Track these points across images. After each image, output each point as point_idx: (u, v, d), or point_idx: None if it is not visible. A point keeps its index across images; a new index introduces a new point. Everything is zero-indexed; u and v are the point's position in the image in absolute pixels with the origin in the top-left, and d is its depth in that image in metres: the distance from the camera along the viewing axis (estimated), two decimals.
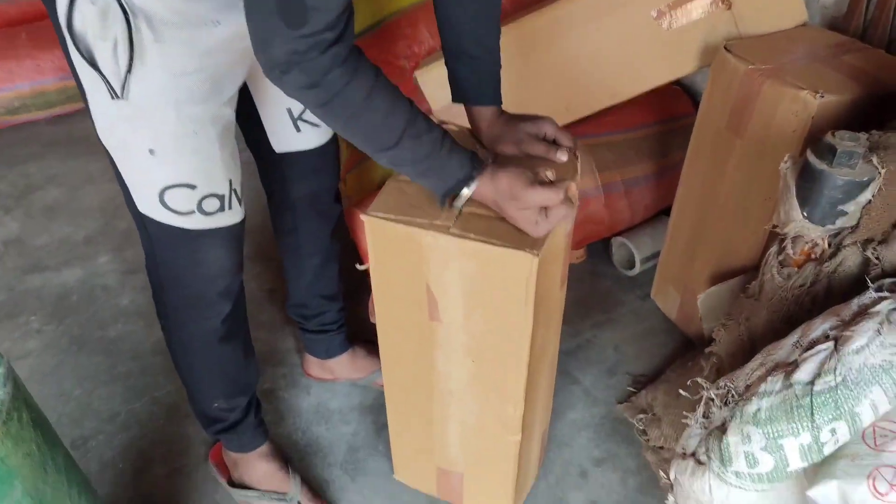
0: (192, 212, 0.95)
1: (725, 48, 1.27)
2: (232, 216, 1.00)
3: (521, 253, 0.85)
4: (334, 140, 1.22)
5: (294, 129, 1.14)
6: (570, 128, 1.52)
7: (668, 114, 1.72)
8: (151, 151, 0.89)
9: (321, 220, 1.30)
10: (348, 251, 1.46)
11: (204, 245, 1.00)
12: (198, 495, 1.35)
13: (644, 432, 1.40)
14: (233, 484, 1.33)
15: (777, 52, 1.26)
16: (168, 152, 0.90)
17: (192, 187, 0.94)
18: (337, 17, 0.71)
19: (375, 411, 1.48)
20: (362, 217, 0.92)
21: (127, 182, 0.95)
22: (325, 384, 1.55)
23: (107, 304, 1.76)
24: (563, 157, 0.95)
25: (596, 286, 1.79)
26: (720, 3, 1.36)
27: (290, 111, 1.12)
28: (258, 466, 1.31)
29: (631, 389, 1.52)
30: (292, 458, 1.40)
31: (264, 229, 1.63)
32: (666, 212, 1.64)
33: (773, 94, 1.18)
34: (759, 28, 1.39)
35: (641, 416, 1.43)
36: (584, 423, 1.46)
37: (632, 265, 1.76)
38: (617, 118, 1.65)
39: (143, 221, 0.98)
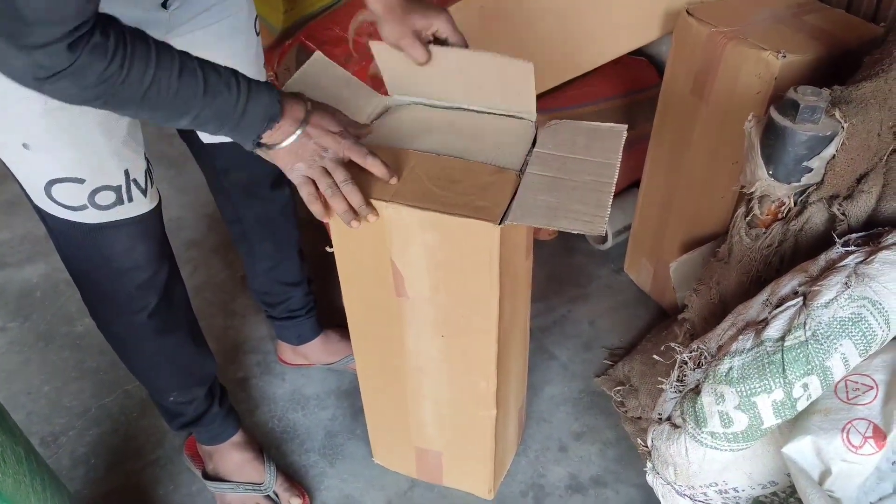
0: (85, 206, 0.90)
1: (687, 12, 1.27)
2: (136, 207, 0.94)
3: (483, 223, 0.83)
4: None
5: None
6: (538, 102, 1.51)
7: (634, 85, 1.71)
8: (25, 146, 0.84)
9: (265, 205, 1.25)
10: (321, 233, 1.44)
11: (108, 239, 0.94)
12: (174, 488, 1.33)
13: (622, 404, 1.40)
14: (207, 476, 1.30)
15: (739, 15, 1.26)
16: (42, 146, 0.84)
17: (80, 181, 0.88)
18: (74, 28, 0.63)
19: (352, 395, 1.47)
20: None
21: (16, 176, 0.90)
22: (300, 370, 1.53)
23: (72, 298, 1.72)
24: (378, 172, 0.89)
25: (569, 261, 1.78)
26: None
27: None
28: (231, 457, 1.29)
29: (607, 362, 1.52)
30: (269, 446, 1.38)
31: None
32: (636, 184, 1.63)
33: (736, 56, 1.18)
34: None
35: (619, 388, 1.43)
36: (562, 397, 1.46)
37: (604, 239, 1.76)
38: (584, 91, 1.64)
39: (41, 215, 0.94)
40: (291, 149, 0.84)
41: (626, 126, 0.94)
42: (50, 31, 0.62)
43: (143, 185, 0.95)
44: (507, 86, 0.97)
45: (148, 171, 0.97)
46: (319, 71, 1.02)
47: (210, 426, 1.25)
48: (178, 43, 0.95)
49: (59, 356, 1.59)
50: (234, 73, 0.79)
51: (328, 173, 0.85)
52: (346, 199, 0.86)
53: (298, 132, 0.83)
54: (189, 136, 1.14)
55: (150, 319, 1.05)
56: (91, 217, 0.91)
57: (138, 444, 1.40)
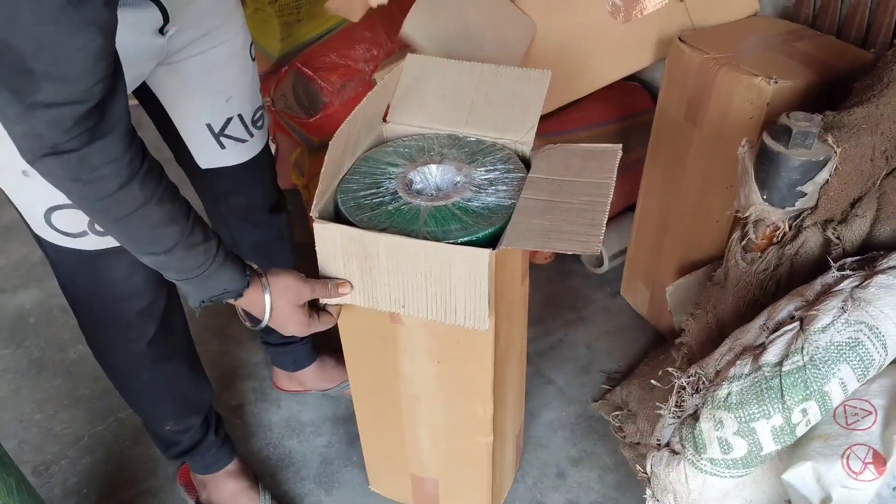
0: (85, 232, 0.89)
1: (680, 39, 1.28)
2: None
3: (477, 249, 0.83)
4: (266, 151, 1.17)
5: (217, 146, 1.07)
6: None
7: (628, 110, 1.73)
8: (24, 173, 0.82)
9: (261, 232, 1.24)
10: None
11: (107, 265, 0.94)
12: None
13: (620, 429, 1.39)
14: None
15: (731, 42, 1.27)
16: None
17: None
18: (84, 90, 0.62)
19: (348, 421, 1.45)
20: (314, 223, 0.89)
21: (15, 204, 0.90)
22: (295, 396, 1.51)
23: (66, 325, 1.71)
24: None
25: (565, 285, 1.78)
26: None
27: (209, 127, 1.05)
28: (226, 486, 1.27)
29: (605, 387, 1.51)
30: (264, 474, 1.37)
31: None
32: (632, 208, 1.64)
33: (729, 81, 1.19)
34: (712, 19, 1.40)
35: (617, 412, 1.42)
36: (559, 422, 1.45)
37: (600, 263, 1.76)
38: (578, 116, 1.65)
39: (41, 243, 0.94)
40: (277, 322, 0.91)
41: (620, 146, 0.94)
42: (62, 88, 0.61)
43: None
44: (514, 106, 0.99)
45: None
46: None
47: (205, 455, 1.23)
48: (176, 69, 0.97)
49: (52, 384, 1.57)
50: (218, 241, 0.83)
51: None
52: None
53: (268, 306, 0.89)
54: (186, 161, 1.14)
55: (149, 348, 1.04)
56: (91, 243, 0.91)
57: (131, 472, 1.39)
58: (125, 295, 0.98)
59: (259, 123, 1.11)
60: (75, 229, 0.89)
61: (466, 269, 0.83)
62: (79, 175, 0.67)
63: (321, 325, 0.94)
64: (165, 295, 1.04)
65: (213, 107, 1.03)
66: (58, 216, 0.88)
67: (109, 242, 0.92)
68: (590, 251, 0.80)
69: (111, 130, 0.67)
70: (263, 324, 0.91)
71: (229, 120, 1.05)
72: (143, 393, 1.12)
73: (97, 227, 0.90)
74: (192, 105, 1.00)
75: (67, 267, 0.96)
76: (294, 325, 0.91)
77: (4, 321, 1.74)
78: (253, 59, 1.08)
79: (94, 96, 0.64)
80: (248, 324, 0.95)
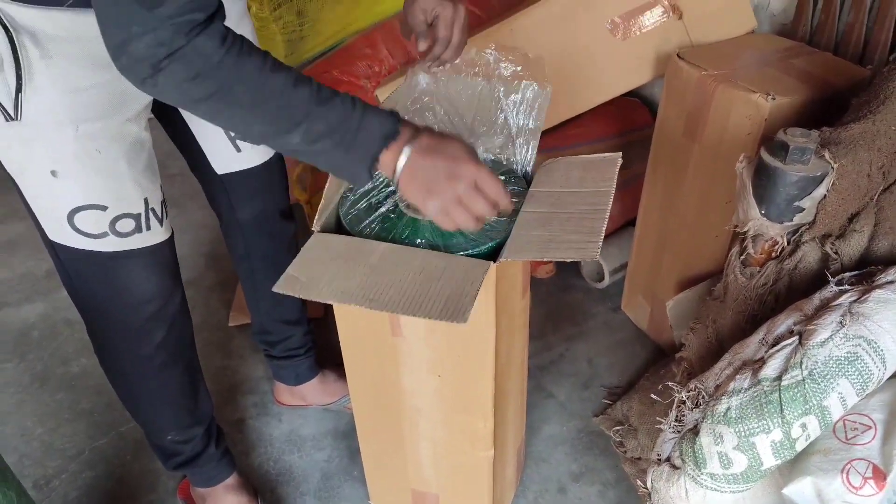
0: (106, 233, 0.91)
1: (678, 56, 1.29)
2: (151, 236, 0.96)
3: (478, 261, 0.83)
4: (279, 157, 1.19)
5: (234, 149, 1.11)
6: None
7: (628, 125, 1.74)
8: (53, 173, 0.86)
9: (273, 242, 1.26)
10: None
11: (122, 268, 0.95)
12: None
13: (621, 444, 1.39)
14: None
15: (728, 59, 1.29)
16: (71, 173, 0.87)
17: (103, 208, 0.90)
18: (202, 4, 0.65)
19: (349, 436, 1.45)
20: (315, 232, 0.90)
21: (33, 208, 0.91)
22: (296, 411, 1.51)
23: (70, 338, 1.72)
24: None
25: (566, 300, 1.78)
26: (672, 13, 1.39)
27: (226, 130, 1.08)
28: (226, 500, 1.27)
29: (606, 401, 1.51)
30: (264, 489, 1.37)
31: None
32: (632, 223, 1.65)
33: (727, 98, 1.20)
34: (710, 36, 1.42)
35: (618, 427, 1.42)
36: (560, 437, 1.45)
37: (601, 277, 1.77)
38: (578, 131, 1.66)
39: (54, 250, 0.95)
40: (414, 175, 0.77)
41: (619, 154, 0.94)
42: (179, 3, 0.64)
43: (159, 215, 0.98)
44: None
45: (164, 203, 1.00)
46: None
47: (205, 467, 1.23)
48: None
49: (54, 398, 1.57)
50: (345, 93, 0.76)
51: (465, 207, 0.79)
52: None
53: (407, 150, 0.77)
54: (202, 168, 1.15)
55: (157, 352, 1.05)
56: (110, 245, 0.93)
57: (132, 487, 1.38)
58: (138, 300, 1.00)
59: None
60: (97, 230, 0.91)
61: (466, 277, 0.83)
62: (198, 67, 0.67)
63: (443, 221, 0.80)
64: (177, 302, 1.06)
65: None
66: (80, 217, 0.90)
67: (127, 244, 0.94)
68: (588, 257, 0.80)
69: (220, 16, 0.69)
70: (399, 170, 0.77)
71: None
72: (148, 401, 1.13)
73: (118, 227, 0.92)
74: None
75: (81, 272, 0.97)
76: (419, 196, 0.78)
77: (8, 335, 1.74)
78: None
79: (211, 7, 0.67)
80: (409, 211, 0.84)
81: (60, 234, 0.92)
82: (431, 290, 0.78)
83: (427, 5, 0.96)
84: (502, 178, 0.98)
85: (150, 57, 0.66)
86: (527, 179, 1.01)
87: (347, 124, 0.74)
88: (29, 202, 0.91)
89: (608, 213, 0.85)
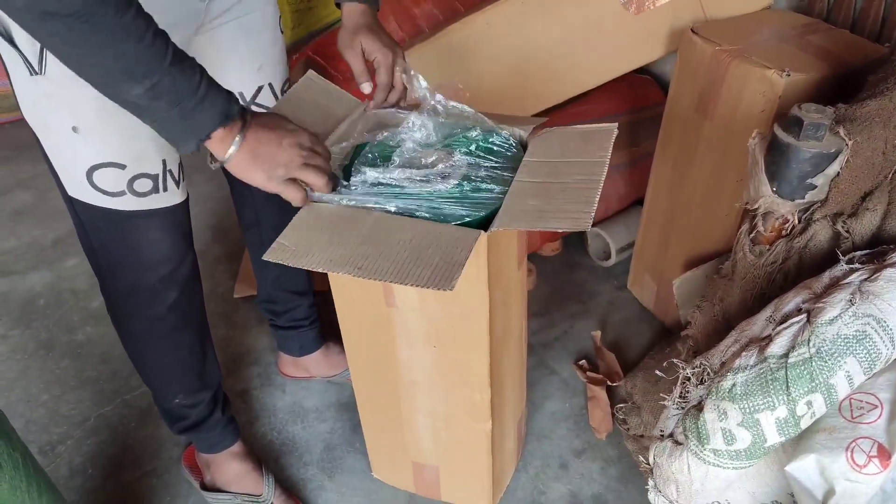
0: (123, 192, 0.92)
1: (692, 30, 1.27)
2: (168, 198, 0.97)
3: (469, 230, 0.82)
4: None
5: None
6: (545, 116, 1.52)
7: (639, 103, 1.72)
8: (75, 129, 0.87)
9: (283, 212, 1.24)
10: None
11: (138, 228, 0.97)
12: (170, 499, 1.32)
13: (624, 421, 1.39)
14: (205, 487, 1.29)
15: (744, 34, 1.26)
16: (92, 130, 0.87)
17: (122, 167, 0.91)
18: None
19: (352, 408, 1.46)
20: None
21: (54, 164, 0.92)
22: (300, 382, 1.52)
23: (75, 307, 1.72)
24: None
25: (572, 277, 1.78)
26: None
27: (241, 95, 1.08)
28: (230, 467, 1.28)
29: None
30: (268, 458, 1.37)
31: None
32: (640, 201, 1.63)
33: (741, 74, 1.18)
34: (725, 12, 1.39)
35: (621, 405, 1.42)
36: (563, 414, 1.45)
37: (608, 256, 1.76)
38: (589, 108, 1.64)
39: (73, 206, 0.96)
40: (253, 153, 0.80)
41: (615, 125, 0.93)
42: None
43: (176, 177, 0.98)
44: None
45: (181, 165, 1.00)
46: (310, 87, 1.06)
47: (210, 433, 1.24)
48: (211, 36, 1.00)
49: (59, 365, 1.58)
50: (201, 66, 0.77)
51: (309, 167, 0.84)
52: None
53: (242, 134, 0.79)
54: None
55: (169, 313, 1.07)
56: (128, 204, 0.94)
57: (136, 454, 1.40)
58: (153, 260, 1.01)
59: None
60: (115, 188, 0.92)
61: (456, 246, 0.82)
62: None
63: (287, 190, 0.85)
64: (189, 264, 1.07)
65: (245, 74, 1.06)
66: (100, 174, 0.90)
67: (145, 204, 0.95)
68: (580, 228, 0.78)
69: None
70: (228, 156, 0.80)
71: (260, 88, 1.09)
72: (157, 362, 1.14)
73: (135, 187, 0.92)
74: (225, 73, 1.02)
75: (99, 229, 0.97)
76: (258, 173, 0.82)
77: (14, 303, 1.75)
78: (282, 32, 1.11)
79: None
80: (212, 164, 0.85)
81: (80, 190, 0.92)
82: (421, 259, 0.78)
83: (366, 48, 1.00)
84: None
85: None
86: (523, 146, 1.00)
87: (193, 92, 0.74)
88: (50, 158, 0.92)
89: (601, 184, 0.84)
